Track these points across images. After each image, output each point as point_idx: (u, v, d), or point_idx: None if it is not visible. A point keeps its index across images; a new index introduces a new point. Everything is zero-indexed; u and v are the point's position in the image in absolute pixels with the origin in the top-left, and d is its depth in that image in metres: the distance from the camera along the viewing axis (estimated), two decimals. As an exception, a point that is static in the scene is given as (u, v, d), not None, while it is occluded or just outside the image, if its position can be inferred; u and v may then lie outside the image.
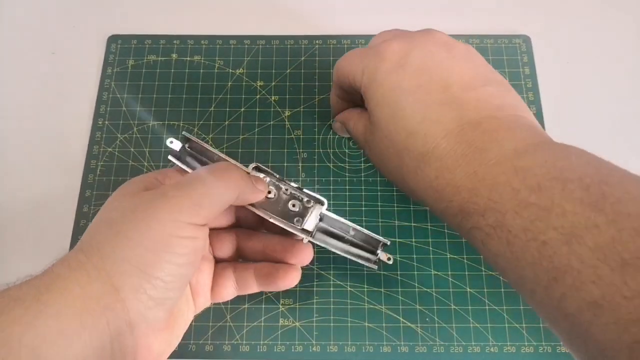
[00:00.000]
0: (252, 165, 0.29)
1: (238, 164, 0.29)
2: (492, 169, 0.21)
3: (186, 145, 0.29)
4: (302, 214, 0.29)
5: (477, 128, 0.23)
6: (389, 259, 0.31)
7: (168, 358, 0.32)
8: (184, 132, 0.29)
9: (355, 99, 0.31)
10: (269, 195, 0.29)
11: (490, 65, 0.27)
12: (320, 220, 0.30)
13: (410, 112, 0.24)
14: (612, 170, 0.20)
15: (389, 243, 0.31)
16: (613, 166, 0.20)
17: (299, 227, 0.29)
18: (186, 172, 0.28)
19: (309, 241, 0.30)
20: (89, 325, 0.21)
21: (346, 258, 0.31)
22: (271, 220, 0.29)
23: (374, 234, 0.31)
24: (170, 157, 0.29)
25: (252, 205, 0.28)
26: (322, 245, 0.30)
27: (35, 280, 0.21)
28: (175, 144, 0.29)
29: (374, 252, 0.31)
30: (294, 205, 0.29)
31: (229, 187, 0.25)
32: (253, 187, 0.27)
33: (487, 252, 0.22)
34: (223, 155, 0.29)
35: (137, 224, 0.23)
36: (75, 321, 0.20)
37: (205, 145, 0.29)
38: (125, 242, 0.22)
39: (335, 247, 0.30)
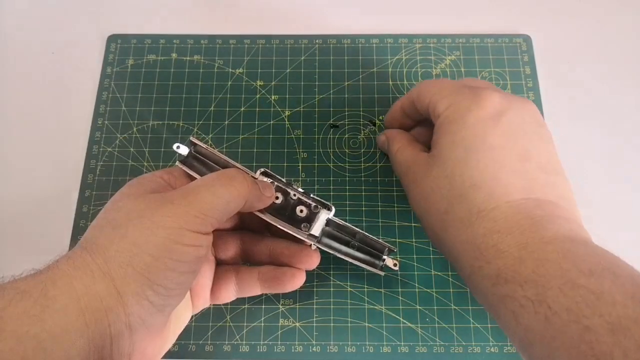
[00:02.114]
0: (260, 170, 0.29)
1: (245, 169, 0.29)
2: (545, 245, 0.22)
3: (192, 150, 0.29)
4: (309, 219, 0.29)
5: (539, 206, 0.23)
6: (395, 264, 0.31)
7: (168, 358, 0.32)
8: (190, 138, 0.29)
9: (416, 120, 0.32)
10: (276, 201, 0.29)
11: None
12: (327, 225, 0.30)
13: (484, 166, 0.25)
14: None
15: (395, 249, 0.31)
16: None
17: (305, 232, 0.29)
18: (193, 176, 0.28)
19: (317, 247, 0.30)
20: (92, 325, 0.21)
21: (350, 262, 0.30)
22: (278, 226, 0.29)
23: (380, 240, 0.31)
24: (177, 164, 0.28)
25: (259, 210, 0.28)
26: (328, 250, 0.30)
27: (40, 275, 0.21)
28: (182, 149, 0.29)
29: (379, 257, 0.31)
30: (301, 211, 0.29)
31: (236, 195, 0.25)
32: (260, 195, 0.27)
33: (517, 324, 0.21)
34: (230, 160, 0.29)
35: (142, 229, 0.23)
36: (80, 319, 0.20)
37: (212, 150, 0.29)
38: (130, 246, 0.22)
39: (341, 252, 0.30)
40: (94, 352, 0.21)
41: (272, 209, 0.29)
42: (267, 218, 0.28)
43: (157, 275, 0.22)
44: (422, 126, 0.33)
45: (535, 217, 0.23)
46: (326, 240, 0.31)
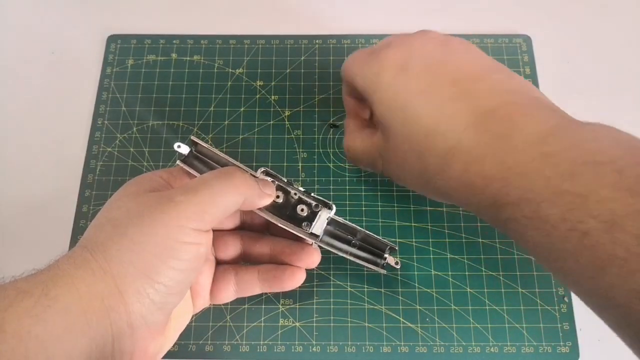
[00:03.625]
0: (261, 169, 0.29)
1: (246, 168, 0.29)
2: (520, 156, 0.21)
3: (193, 149, 0.29)
4: (310, 218, 0.29)
5: (495, 115, 0.23)
6: (396, 263, 0.31)
7: (168, 358, 0.32)
8: (191, 137, 0.29)
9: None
10: (277, 200, 0.29)
11: (484, 53, 0.27)
12: (328, 224, 0.30)
13: (425, 112, 0.24)
14: None
15: (396, 247, 0.31)
16: None
17: (307, 231, 0.29)
18: (193, 175, 0.28)
19: (318, 245, 0.30)
20: (93, 324, 0.21)
21: (352, 261, 0.31)
22: (279, 224, 0.29)
23: (381, 238, 0.31)
24: (178, 162, 0.28)
25: (260, 209, 0.28)
26: (330, 249, 0.30)
27: (41, 275, 0.21)
28: (183, 148, 0.29)
29: (381, 256, 0.31)
30: (302, 210, 0.29)
31: (235, 192, 0.25)
32: (260, 192, 0.27)
33: (526, 243, 0.21)
34: (231, 159, 0.29)
35: (142, 227, 0.23)
36: (81, 318, 0.20)
37: (213, 149, 0.29)
38: (131, 245, 0.22)
39: (343, 250, 0.30)
40: (95, 351, 0.21)
41: (273, 208, 0.29)
42: (268, 216, 0.29)
43: (158, 273, 0.22)
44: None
45: (496, 129, 0.22)
46: (327, 239, 0.31)
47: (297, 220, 0.29)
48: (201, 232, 0.24)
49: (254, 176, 0.28)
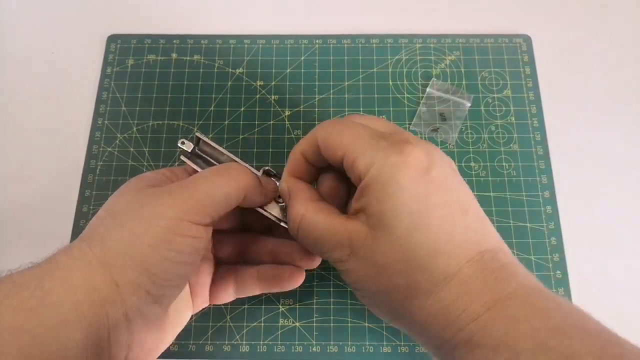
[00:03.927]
0: (263, 168, 0.29)
1: (247, 166, 0.29)
2: (513, 301, 0.21)
3: (196, 148, 0.29)
4: None
5: (495, 257, 0.22)
6: None
7: (168, 358, 0.32)
8: (196, 133, 0.29)
9: (321, 166, 0.27)
10: (279, 199, 0.29)
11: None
12: None
13: (436, 228, 0.22)
14: (629, 344, 0.19)
15: None
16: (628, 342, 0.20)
17: None
18: (196, 172, 0.28)
19: None
20: (89, 316, 0.21)
21: None
22: (281, 223, 0.28)
23: None
24: (182, 158, 0.28)
25: (262, 208, 0.28)
26: None
27: (37, 268, 0.21)
28: (187, 145, 0.29)
29: None
30: None
31: (235, 187, 0.25)
32: (260, 189, 0.27)
33: None
34: (233, 157, 0.29)
35: (141, 219, 0.23)
36: (76, 311, 0.20)
37: (216, 146, 0.29)
38: (128, 236, 0.22)
39: None
40: (91, 343, 0.21)
41: (275, 208, 0.29)
42: (270, 215, 0.28)
43: (155, 266, 0.22)
44: (331, 178, 0.27)
45: (494, 271, 0.22)
46: None
47: None
48: (199, 226, 0.24)
49: (256, 174, 0.28)
